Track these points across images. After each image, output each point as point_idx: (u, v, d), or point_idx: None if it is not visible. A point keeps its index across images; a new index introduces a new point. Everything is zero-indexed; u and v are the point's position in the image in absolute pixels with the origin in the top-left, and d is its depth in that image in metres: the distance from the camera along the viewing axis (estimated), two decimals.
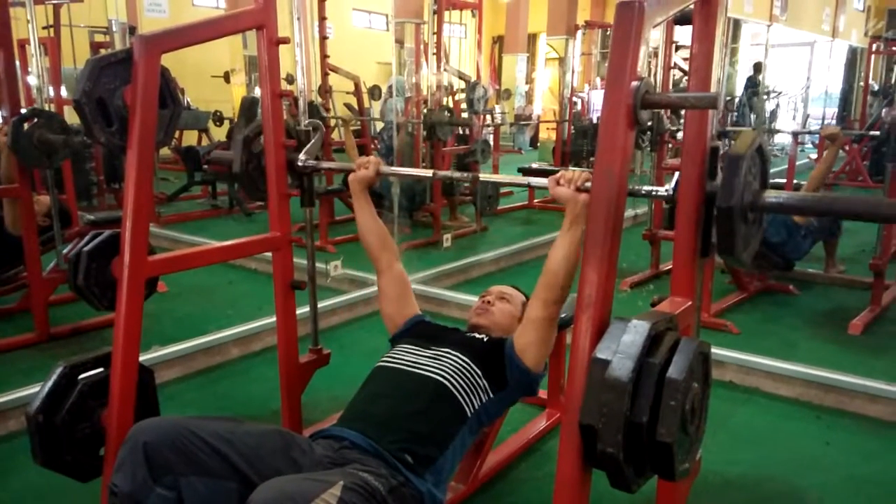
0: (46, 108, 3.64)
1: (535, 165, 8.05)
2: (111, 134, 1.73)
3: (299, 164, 2.12)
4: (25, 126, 3.00)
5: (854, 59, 11.21)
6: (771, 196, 1.39)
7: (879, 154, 6.92)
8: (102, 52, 5.68)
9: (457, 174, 2.05)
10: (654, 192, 1.57)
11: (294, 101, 3.34)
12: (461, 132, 6.99)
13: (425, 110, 5.38)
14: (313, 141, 2.17)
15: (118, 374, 1.66)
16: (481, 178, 1.93)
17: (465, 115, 6.79)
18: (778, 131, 9.96)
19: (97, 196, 6.19)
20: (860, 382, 2.66)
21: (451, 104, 7.06)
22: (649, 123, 4.15)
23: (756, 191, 1.38)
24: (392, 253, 2.09)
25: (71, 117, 3.37)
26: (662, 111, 4.36)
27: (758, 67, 9.95)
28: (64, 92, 4.57)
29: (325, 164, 2.18)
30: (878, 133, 4.17)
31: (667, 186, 1.50)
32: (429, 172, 2.04)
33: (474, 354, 1.81)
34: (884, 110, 7.47)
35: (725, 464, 2.26)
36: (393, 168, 2.15)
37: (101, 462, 1.71)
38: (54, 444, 1.67)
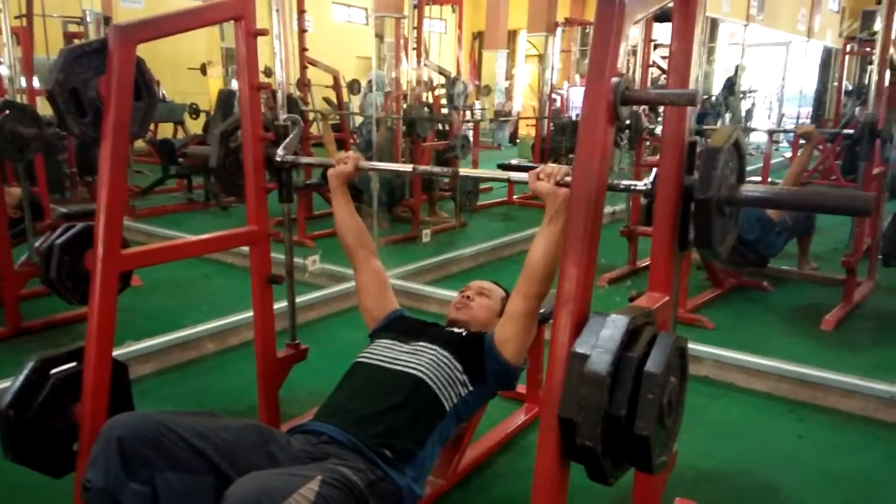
0: (18, 100, 3.57)
1: (514, 162, 8.06)
2: (85, 125, 1.70)
3: (277, 158, 2.11)
4: None
5: (828, 60, 11.37)
6: (747, 190, 1.41)
7: (852, 153, 7.02)
8: (76, 42, 5.59)
9: (437, 169, 2.05)
10: (632, 187, 1.58)
11: (272, 94, 3.32)
12: (441, 128, 6.99)
13: (405, 106, 5.36)
14: (292, 136, 2.15)
15: (91, 369, 1.64)
16: (461, 173, 1.94)
17: (444, 110, 6.78)
18: (753, 129, 10.08)
19: (70, 188, 6.09)
20: (833, 377, 2.71)
21: (430, 99, 7.04)
22: (628, 122, 4.20)
23: (733, 185, 1.40)
24: (369, 249, 2.09)
25: (44, 108, 3.31)
26: (640, 110, 4.39)
27: (737, 69, 10.05)
28: (36, 82, 4.48)
29: (304, 160, 2.16)
30: (851, 132, 4.23)
31: (645, 181, 1.51)
32: (408, 167, 2.03)
33: (453, 349, 1.81)
34: (857, 110, 7.59)
35: (701, 457, 2.29)
36: (372, 163, 2.14)
37: (75, 457, 1.68)
38: (26, 440, 1.64)
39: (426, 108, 5.47)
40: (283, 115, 2.19)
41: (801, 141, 4.17)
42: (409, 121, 5.25)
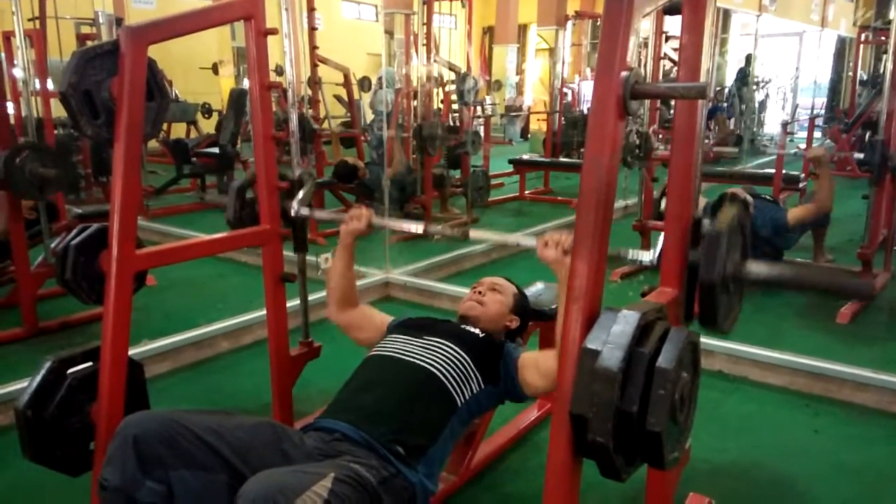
0: (33, 103, 3.60)
1: (525, 157, 8.06)
2: (98, 126, 1.72)
3: (292, 213, 2.14)
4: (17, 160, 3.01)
5: (843, 49, 11.26)
6: (752, 267, 1.46)
7: (869, 144, 6.95)
8: (89, 43, 5.63)
9: (447, 231, 2.04)
10: (639, 260, 1.62)
11: (283, 93, 3.33)
12: (451, 124, 6.98)
13: (415, 123, 5.35)
14: (306, 189, 2.18)
15: (107, 369, 1.65)
16: (471, 235, 1.93)
17: (454, 106, 6.78)
18: (759, 130, 9.99)
19: (85, 189, 6.15)
20: (848, 371, 2.68)
21: (441, 95, 7.04)
22: (637, 142, 4.21)
23: (737, 262, 1.44)
24: (352, 303, 2.10)
25: (58, 110, 3.34)
26: (651, 130, 4.38)
27: (749, 59, 9.97)
28: (50, 84, 4.52)
29: (318, 214, 2.21)
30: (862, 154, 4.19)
31: (650, 256, 1.54)
32: (420, 226, 2.05)
33: (467, 346, 1.81)
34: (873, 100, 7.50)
35: (715, 452, 2.28)
36: (385, 220, 2.16)
37: (91, 456, 1.70)
38: (44, 439, 1.66)
39: (438, 126, 5.46)
40: (293, 116, 2.20)
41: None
42: (420, 139, 5.26)
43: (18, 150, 3.02)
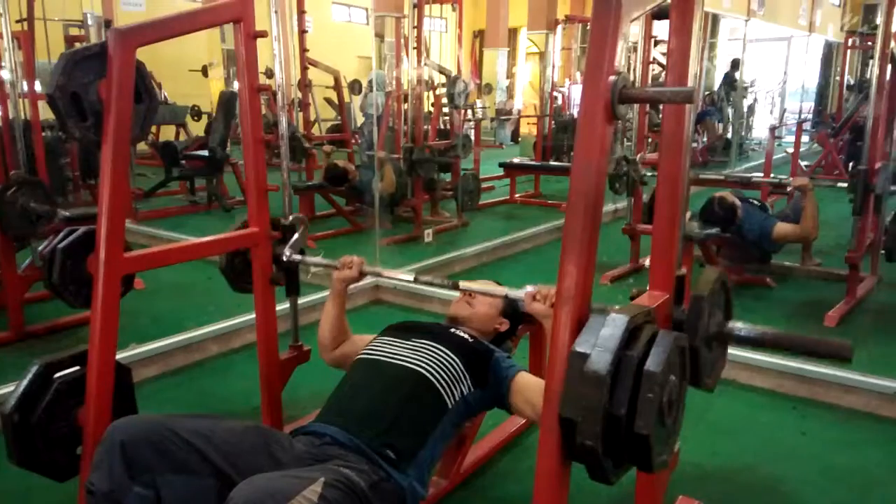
0: (20, 105, 3.57)
1: (516, 160, 8.08)
2: (86, 129, 1.71)
3: (284, 258, 2.16)
4: (9, 194, 3.03)
5: (830, 54, 11.34)
6: (735, 328, 1.51)
7: (855, 148, 7.02)
8: (77, 45, 5.59)
9: (437, 281, 2.08)
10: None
11: (273, 96, 3.33)
12: (442, 127, 6.98)
13: (405, 144, 5.36)
14: (298, 234, 2.19)
15: (95, 373, 1.64)
16: (461, 286, 1.95)
17: (445, 109, 6.77)
18: (747, 134, 10.02)
19: (73, 192, 6.10)
20: (835, 374, 2.70)
21: (431, 99, 7.04)
22: (625, 169, 4.22)
23: (720, 322, 1.49)
24: (345, 338, 2.11)
25: (45, 112, 3.32)
26: (637, 157, 4.39)
27: (735, 64, 10.03)
28: (38, 86, 4.49)
29: (310, 259, 2.21)
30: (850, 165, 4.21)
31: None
32: (410, 275, 2.08)
33: (457, 349, 1.81)
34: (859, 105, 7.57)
35: (703, 455, 2.29)
36: (375, 268, 2.17)
37: (79, 461, 1.69)
38: (30, 444, 1.65)
39: (427, 151, 5.46)
40: (282, 118, 2.19)
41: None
42: (411, 163, 5.27)
43: (9, 184, 3.03)
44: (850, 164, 7.03)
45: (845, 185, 3.68)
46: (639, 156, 4.41)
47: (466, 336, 1.90)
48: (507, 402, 1.81)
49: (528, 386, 1.78)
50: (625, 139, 5.05)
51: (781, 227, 3.84)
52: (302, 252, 2.20)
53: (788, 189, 4.49)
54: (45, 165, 3.91)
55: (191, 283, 4.13)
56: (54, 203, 3.16)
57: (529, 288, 1.71)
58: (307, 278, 3.73)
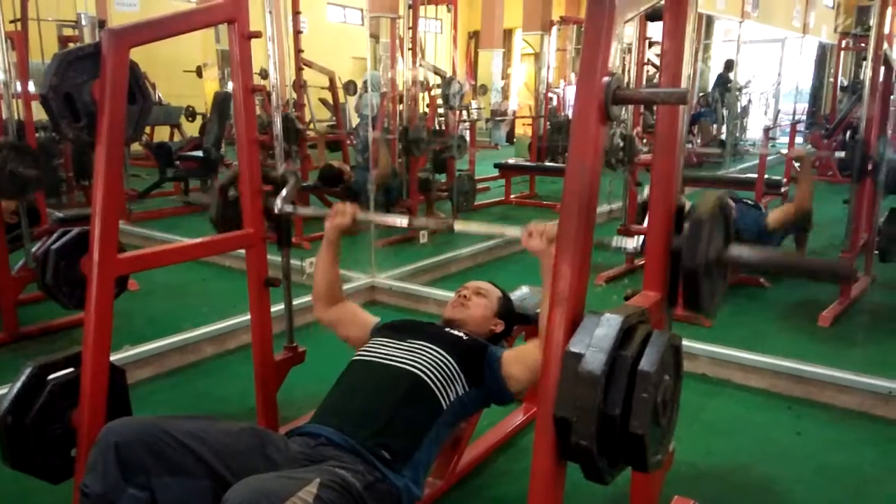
0: (14, 106, 3.56)
1: (511, 161, 8.08)
2: (79, 129, 1.71)
3: (276, 210, 2.13)
4: None
5: (824, 56, 11.38)
6: (735, 252, 1.47)
7: (850, 149, 7.04)
8: (71, 46, 5.57)
9: (431, 222, 2.05)
10: (623, 249, 1.61)
11: (267, 97, 3.33)
12: (437, 127, 6.98)
13: (401, 126, 5.36)
14: (289, 187, 2.17)
15: (89, 374, 1.64)
16: (456, 228, 1.93)
17: (440, 110, 6.78)
18: (741, 135, 10.04)
19: (66, 193, 6.08)
20: (830, 373, 2.71)
21: (426, 100, 7.04)
22: (622, 144, 4.22)
23: (720, 247, 1.46)
24: (337, 301, 2.11)
25: (39, 113, 3.31)
26: (634, 133, 4.40)
27: (729, 65, 10.06)
28: (32, 87, 4.47)
29: (302, 211, 2.20)
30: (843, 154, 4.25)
31: (634, 244, 1.56)
32: (404, 219, 2.06)
33: (452, 349, 1.81)
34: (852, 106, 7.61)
35: (698, 455, 2.29)
36: (370, 214, 2.16)
37: (73, 463, 1.68)
38: (24, 446, 1.64)
39: (424, 129, 5.46)
40: (277, 120, 2.19)
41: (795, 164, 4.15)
42: (406, 142, 5.26)
43: None
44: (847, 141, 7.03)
45: (842, 155, 3.72)
46: (635, 131, 4.41)
47: (461, 335, 1.90)
48: (502, 381, 1.80)
49: (518, 352, 1.82)
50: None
51: (775, 213, 3.86)
52: (293, 204, 2.17)
53: (783, 186, 4.51)
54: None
55: (185, 285, 4.12)
56: (44, 167, 3.13)
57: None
58: (302, 279, 3.72)
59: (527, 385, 1.83)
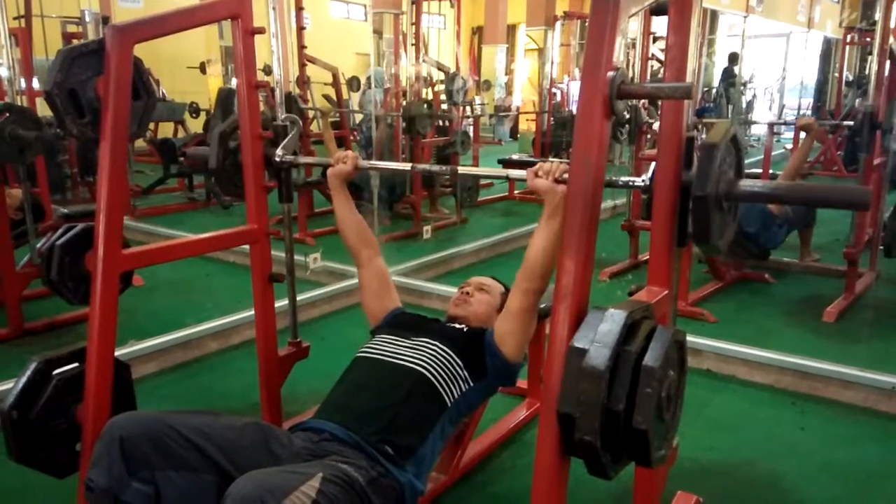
0: (18, 102, 3.57)
1: (515, 157, 8.05)
2: (84, 126, 1.71)
3: (276, 158, 2.11)
4: None
5: (829, 50, 11.32)
6: (745, 185, 1.41)
7: (853, 144, 7.01)
8: (75, 42, 5.58)
9: (435, 167, 2.04)
10: (631, 183, 1.58)
11: (271, 93, 3.32)
12: (441, 124, 6.97)
13: (404, 102, 5.34)
14: (290, 135, 2.15)
15: (93, 369, 1.64)
16: (460, 172, 1.93)
17: (444, 106, 6.76)
18: (754, 122, 10.03)
19: (71, 189, 6.10)
20: (834, 369, 2.71)
21: (430, 95, 7.03)
22: (627, 116, 4.18)
23: (731, 180, 1.40)
24: (372, 247, 2.09)
25: (43, 109, 3.31)
26: (640, 104, 4.37)
27: (733, 58, 10.02)
28: (36, 83, 4.48)
29: (303, 159, 2.17)
30: (852, 123, 4.24)
31: (644, 177, 1.51)
32: (407, 166, 2.04)
33: (454, 343, 1.81)
34: (857, 101, 7.57)
35: (702, 450, 2.29)
36: (371, 162, 2.14)
37: (78, 457, 1.69)
38: (29, 440, 1.65)
39: (425, 105, 5.45)
40: (281, 114, 2.19)
41: (802, 134, 4.17)
42: (408, 118, 5.24)
43: None
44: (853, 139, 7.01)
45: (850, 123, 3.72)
46: (641, 102, 4.36)
47: (462, 327, 1.91)
48: (499, 353, 1.79)
49: (505, 309, 1.82)
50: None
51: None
52: (295, 153, 2.15)
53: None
54: (44, 162, 3.92)
55: (189, 280, 4.13)
56: (41, 127, 3.10)
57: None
58: (306, 275, 3.73)
59: (517, 334, 1.79)
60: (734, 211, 1.48)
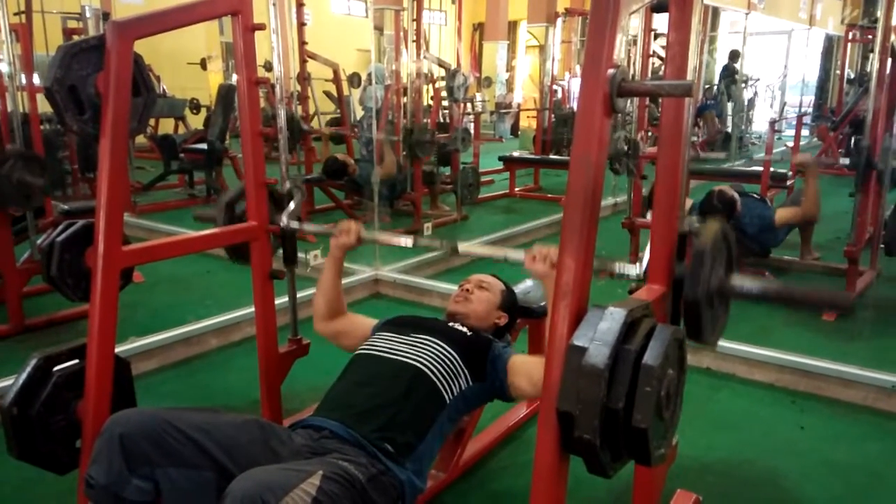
0: (18, 98, 3.57)
1: (515, 154, 8.06)
2: (84, 122, 1.71)
3: (281, 225, 2.14)
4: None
5: (830, 48, 11.32)
6: (736, 282, 1.46)
7: (854, 142, 7.01)
8: (75, 38, 5.57)
9: (436, 243, 2.06)
10: (625, 275, 1.62)
11: (271, 89, 3.32)
12: (442, 120, 6.96)
13: (404, 125, 5.34)
14: (294, 203, 2.18)
15: (94, 366, 1.64)
16: (460, 249, 1.94)
17: (444, 103, 6.75)
18: (747, 128, 9.97)
19: (71, 185, 6.09)
20: (834, 367, 2.71)
21: (430, 92, 7.02)
22: (626, 148, 4.20)
23: (722, 277, 1.45)
24: (341, 313, 2.10)
25: (43, 105, 3.31)
26: (639, 137, 4.38)
27: (734, 55, 10.00)
28: (36, 79, 4.47)
29: (307, 227, 2.20)
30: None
31: (637, 270, 1.55)
32: (409, 239, 2.06)
33: (456, 345, 1.81)
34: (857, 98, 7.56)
35: (702, 449, 2.29)
36: (374, 234, 2.16)
37: (78, 454, 1.69)
38: (30, 437, 1.65)
39: (428, 133, 5.44)
40: (281, 111, 2.19)
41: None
42: (410, 145, 5.25)
43: (5, 158, 3.01)
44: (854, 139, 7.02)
45: (847, 161, 3.71)
46: (639, 134, 4.39)
47: (465, 330, 1.90)
48: (506, 386, 1.80)
49: (526, 362, 1.81)
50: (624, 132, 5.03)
51: (782, 213, 3.85)
52: (299, 220, 2.18)
53: (789, 179, 4.49)
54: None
55: (190, 277, 4.13)
56: (51, 171, 3.18)
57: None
58: (306, 272, 3.72)
59: (528, 395, 1.84)
60: (727, 304, 1.53)
